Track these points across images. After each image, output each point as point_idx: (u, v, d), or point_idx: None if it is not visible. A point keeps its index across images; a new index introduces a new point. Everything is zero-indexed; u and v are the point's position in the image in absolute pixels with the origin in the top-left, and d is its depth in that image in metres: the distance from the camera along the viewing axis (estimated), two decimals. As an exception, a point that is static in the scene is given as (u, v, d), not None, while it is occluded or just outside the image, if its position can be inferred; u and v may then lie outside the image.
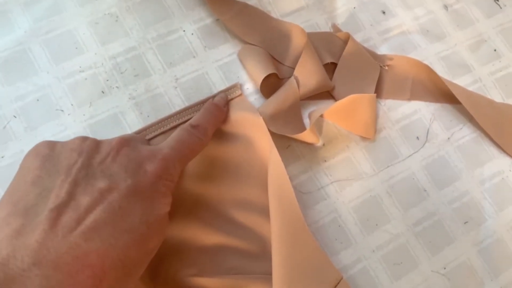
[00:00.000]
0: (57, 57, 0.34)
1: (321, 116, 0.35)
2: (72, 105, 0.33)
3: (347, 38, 0.37)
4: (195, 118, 0.31)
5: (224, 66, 0.36)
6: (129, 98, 0.34)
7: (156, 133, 0.32)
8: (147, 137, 0.32)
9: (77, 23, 0.35)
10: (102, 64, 0.34)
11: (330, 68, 0.37)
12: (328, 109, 0.33)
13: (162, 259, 0.30)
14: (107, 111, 0.33)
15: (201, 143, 0.29)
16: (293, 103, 0.34)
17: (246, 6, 0.37)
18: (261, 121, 0.32)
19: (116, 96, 0.34)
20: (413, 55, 0.39)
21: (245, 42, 0.36)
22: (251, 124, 0.33)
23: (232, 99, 0.34)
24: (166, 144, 0.27)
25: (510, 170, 0.37)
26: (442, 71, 0.38)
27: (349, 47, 0.36)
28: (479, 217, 0.35)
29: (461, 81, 0.39)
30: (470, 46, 0.40)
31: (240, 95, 0.34)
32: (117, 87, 0.34)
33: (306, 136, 0.33)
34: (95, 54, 0.34)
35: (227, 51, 0.36)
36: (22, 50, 0.34)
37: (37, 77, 0.33)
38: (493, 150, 0.37)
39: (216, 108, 0.32)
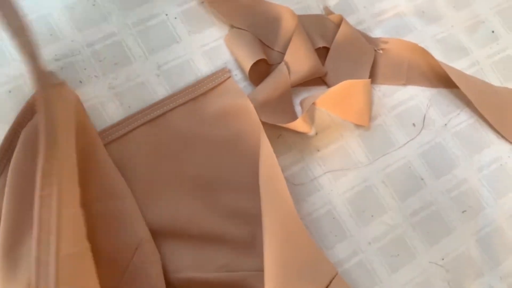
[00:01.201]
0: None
1: (314, 104, 0.33)
2: (48, 96, 0.31)
3: (340, 21, 0.35)
4: None
5: (210, 52, 0.34)
6: (109, 88, 0.32)
7: (137, 123, 0.30)
8: (128, 128, 0.30)
9: (51, 8, 0.33)
10: (80, 52, 0.32)
11: (322, 52, 0.35)
12: (321, 97, 0.31)
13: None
14: (85, 102, 0.31)
15: None
16: (284, 90, 0.32)
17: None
18: (251, 107, 0.30)
19: (95, 86, 0.32)
20: (409, 38, 0.37)
21: (232, 26, 0.34)
22: (240, 110, 0.31)
23: (220, 83, 0.32)
24: None
25: (509, 157, 0.35)
26: (438, 55, 0.37)
27: (342, 30, 0.34)
28: (478, 206, 0.34)
29: (458, 64, 0.37)
30: (467, 28, 0.38)
31: (229, 78, 0.33)
32: (95, 76, 0.32)
33: (298, 125, 0.31)
34: (72, 41, 0.32)
35: (213, 36, 0.34)
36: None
37: (9, 68, 0.31)
38: (491, 136, 0.36)
39: None
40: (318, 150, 0.33)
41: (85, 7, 0.33)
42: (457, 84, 0.35)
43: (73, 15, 0.33)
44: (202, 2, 0.34)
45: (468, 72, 0.37)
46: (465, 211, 0.33)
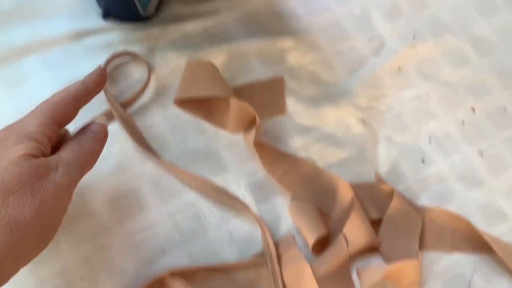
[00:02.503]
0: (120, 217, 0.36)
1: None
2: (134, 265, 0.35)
3: (392, 192, 0.39)
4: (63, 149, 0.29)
5: (274, 221, 0.38)
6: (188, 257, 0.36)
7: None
8: None
9: (140, 181, 0.37)
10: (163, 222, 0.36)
11: (376, 221, 0.39)
12: (382, 275, 0.35)
13: None
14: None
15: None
16: (343, 262, 0.36)
17: (296, 160, 0.39)
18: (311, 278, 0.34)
19: (176, 255, 0.35)
20: (452, 204, 0.40)
21: (294, 197, 0.38)
22: (301, 278, 0.34)
23: (284, 251, 0.36)
24: None
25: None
26: (480, 220, 0.40)
27: (394, 204, 0.38)
28: None
29: (498, 229, 0.40)
30: (507, 192, 0.42)
31: (293, 248, 0.36)
32: (176, 246, 0.36)
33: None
34: (155, 212, 0.37)
35: (278, 204, 0.38)
36: (88, 210, 0.36)
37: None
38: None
39: (91, 142, 0.30)
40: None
41: (168, 179, 0.38)
42: (497, 252, 0.38)
43: (157, 188, 0.37)
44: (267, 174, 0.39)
45: (509, 236, 0.40)
46: None
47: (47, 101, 0.29)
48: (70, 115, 0.30)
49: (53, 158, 0.27)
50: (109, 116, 0.39)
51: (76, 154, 0.28)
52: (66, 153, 0.28)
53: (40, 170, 0.26)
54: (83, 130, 0.31)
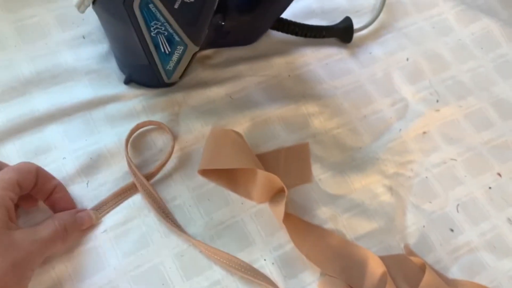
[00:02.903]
0: (145, 296, 0.35)
1: None
2: None
3: (423, 265, 0.38)
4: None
5: (304, 298, 0.36)
6: None
7: None
8: None
9: (163, 256, 0.36)
10: (188, 301, 0.35)
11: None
12: None
13: None
14: None
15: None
16: None
17: (324, 233, 0.38)
18: None
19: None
20: (483, 276, 0.39)
21: (323, 273, 0.37)
22: None
23: None
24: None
25: None
26: (511, 291, 0.39)
27: (426, 279, 0.37)
28: None
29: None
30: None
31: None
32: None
33: None
34: (181, 291, 0.35)
35: (307, 280, 0.37)
36: (112, 290, 0.34)
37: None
38: None
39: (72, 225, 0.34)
40: None
41: (192, 254, 0.36)
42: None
43: (182, 263, 0.36)
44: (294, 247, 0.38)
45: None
46: None
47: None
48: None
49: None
50: (132, 187, 0.38)
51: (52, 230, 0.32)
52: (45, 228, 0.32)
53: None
54: (71, 212, 0.35)
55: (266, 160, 0.40)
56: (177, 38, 0.35)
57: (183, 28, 0.34)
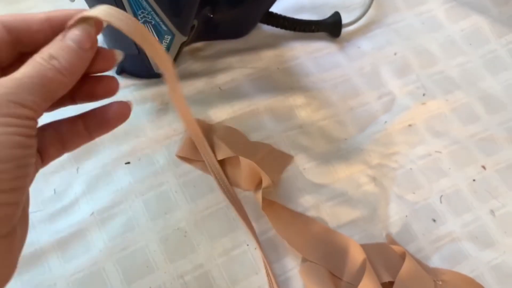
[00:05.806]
0: (129, 277, 0.36)
1: None
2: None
3: (403, 254, 0.39)
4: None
5: (285, 282, 0.37)
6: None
7: None
8: None
9: (148, 240, 0.37)
10: (171, 283, 0.36)
11: (387, 284, 0.38)
12: None
13: None
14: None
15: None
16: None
17: (307, 221, 0.39)
18: None
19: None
20: (465, 265, 0.40)
21: (304, 259, 0.38)
22: None
23: None
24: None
25: None
26: (493, 283, 0.39)
27: (406, 266, 0.38)
28: None
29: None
30: (520, 255, 0.41)
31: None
32: (185, 309, 0.35)
33: None
34: (165, 273, 0.36)
35: (288, 266, 0.38)
36: (96, 271, 0.35)
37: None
38: None
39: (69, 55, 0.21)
40: None
41: (177, 238, 0.37)
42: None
43: (166, 247, 0.37)
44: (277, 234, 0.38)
45: (523, 301, 0.39)
46: None
47: None
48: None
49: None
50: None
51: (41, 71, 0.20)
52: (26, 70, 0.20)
53: None
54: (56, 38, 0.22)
55: (254, 146, 0.41)
56: (164, 28, 0.36)
57: (169, 18, 0.35)
